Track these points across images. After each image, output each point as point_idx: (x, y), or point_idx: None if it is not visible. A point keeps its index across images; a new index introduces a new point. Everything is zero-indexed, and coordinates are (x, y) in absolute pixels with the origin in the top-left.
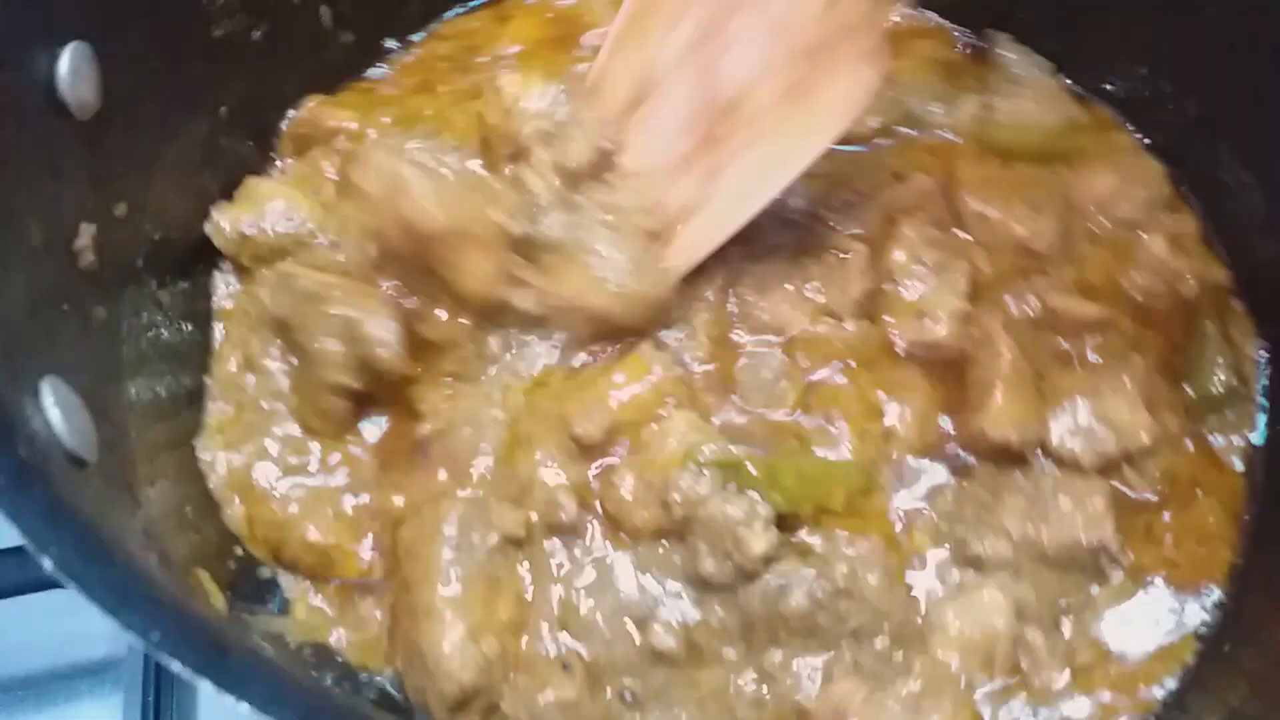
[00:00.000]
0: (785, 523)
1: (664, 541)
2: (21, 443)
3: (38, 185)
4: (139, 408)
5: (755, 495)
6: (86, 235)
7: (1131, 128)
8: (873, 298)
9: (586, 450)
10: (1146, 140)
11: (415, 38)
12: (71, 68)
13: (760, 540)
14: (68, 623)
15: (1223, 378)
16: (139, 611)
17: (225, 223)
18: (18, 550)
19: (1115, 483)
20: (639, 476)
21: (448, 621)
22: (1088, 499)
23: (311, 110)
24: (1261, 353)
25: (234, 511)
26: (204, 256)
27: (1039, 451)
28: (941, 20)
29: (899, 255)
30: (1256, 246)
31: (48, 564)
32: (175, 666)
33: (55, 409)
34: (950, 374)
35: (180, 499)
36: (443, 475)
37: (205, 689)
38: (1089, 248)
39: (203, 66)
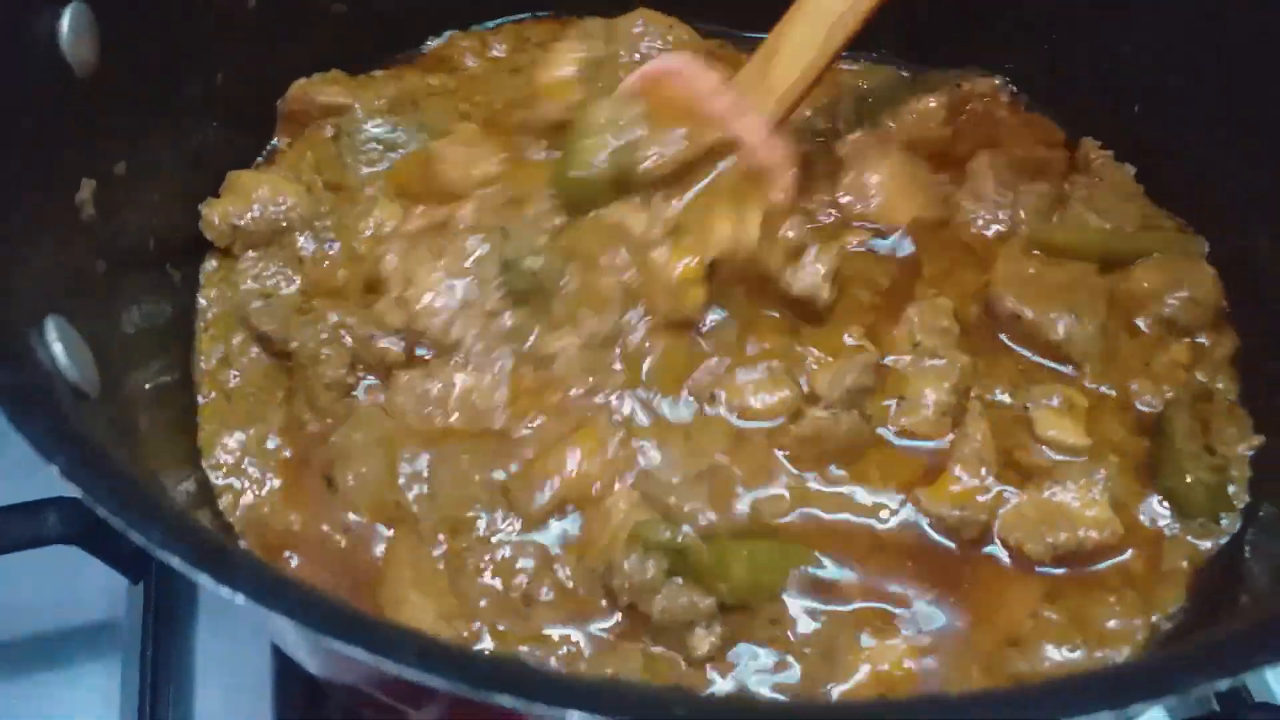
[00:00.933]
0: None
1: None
2: (28, 368)
3: (40, 138)
4: (137, 361)
5: (696, 597)
6: (87, 189)
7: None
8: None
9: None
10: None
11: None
12: (73, 27)
13: (704, 643)
14: (66, 584)
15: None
16: (142, 513)
17: (215, 216)
18: (17, 507)
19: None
20: (579, 562)
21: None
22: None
23: (301, 87)
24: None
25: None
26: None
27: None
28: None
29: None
30: None
31: (55, 470)
32: (175, 562)
33: (58, 343)
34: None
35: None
36: None
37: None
38: (1125, 347)
39: (199, 31)
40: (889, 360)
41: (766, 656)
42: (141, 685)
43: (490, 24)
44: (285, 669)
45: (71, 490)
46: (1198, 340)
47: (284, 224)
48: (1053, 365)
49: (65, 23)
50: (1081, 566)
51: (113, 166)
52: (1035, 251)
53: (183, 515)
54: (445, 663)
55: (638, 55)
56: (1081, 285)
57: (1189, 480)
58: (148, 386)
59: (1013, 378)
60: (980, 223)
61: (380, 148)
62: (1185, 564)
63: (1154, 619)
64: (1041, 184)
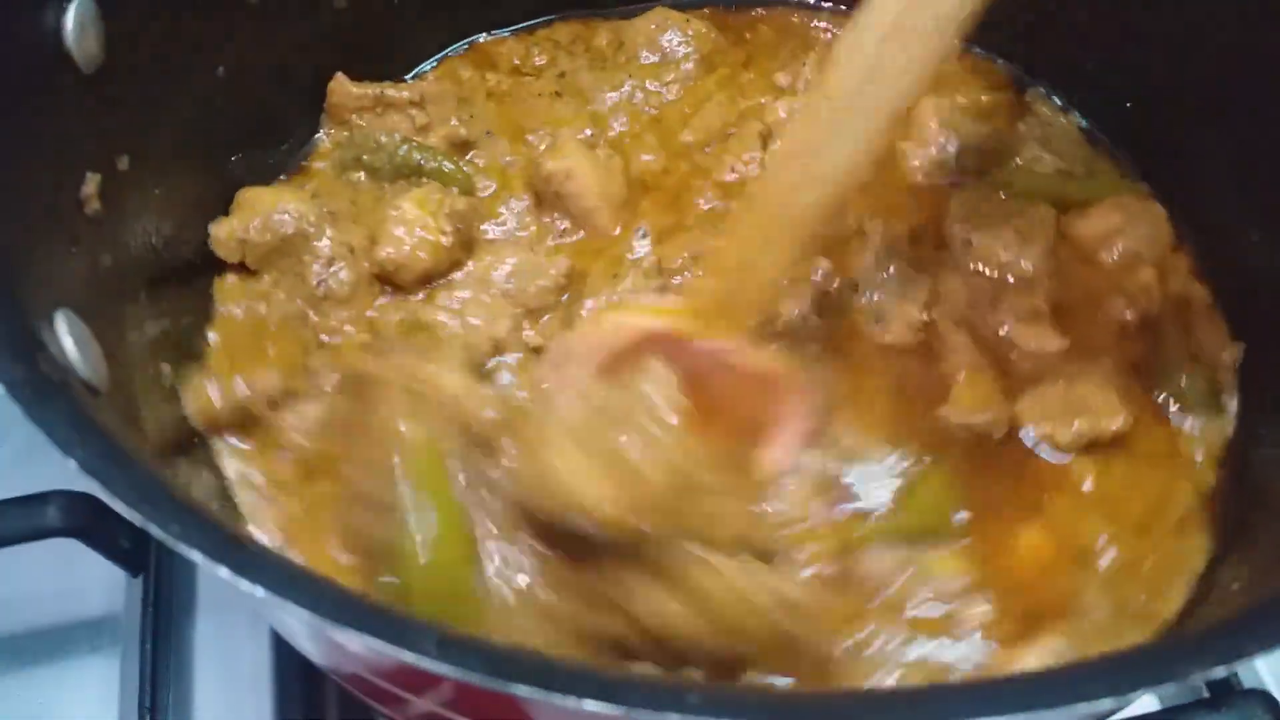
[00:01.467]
0: None
1: None
2: (42, 361)
3: (46, 132)
4: (145, 357)
5: None
6: (92, 184)
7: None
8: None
9: None
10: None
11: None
12: (77, 22)
13: None
14: (65, 577)
15: (1193, 382)
16: (160, 507)
17: (222, 233)
18: (16, 500)
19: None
20: None
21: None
22: None
23: (340, 82)
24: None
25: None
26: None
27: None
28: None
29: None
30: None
31: (73, 464)
32: (195, 556)
33: (68, 337)
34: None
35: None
36: None
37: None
38: (1076, 271)
39: (203, 23)
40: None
41: None
42: (141, 679)
43: (504, 31)
44: (285, 662)
45: (88, 485)
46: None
47: (293, 236)
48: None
49: (70, 17)
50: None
51: (116, 161)
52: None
53: (199, 509)
54: (464, 653)
55: (658, 56)
56: (1027, 213)
57: (1183, 384)
58: (156, 382)
59: (974, 297)
60: (918, 164)
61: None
62: (1203, 453)
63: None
64: (985, 127)
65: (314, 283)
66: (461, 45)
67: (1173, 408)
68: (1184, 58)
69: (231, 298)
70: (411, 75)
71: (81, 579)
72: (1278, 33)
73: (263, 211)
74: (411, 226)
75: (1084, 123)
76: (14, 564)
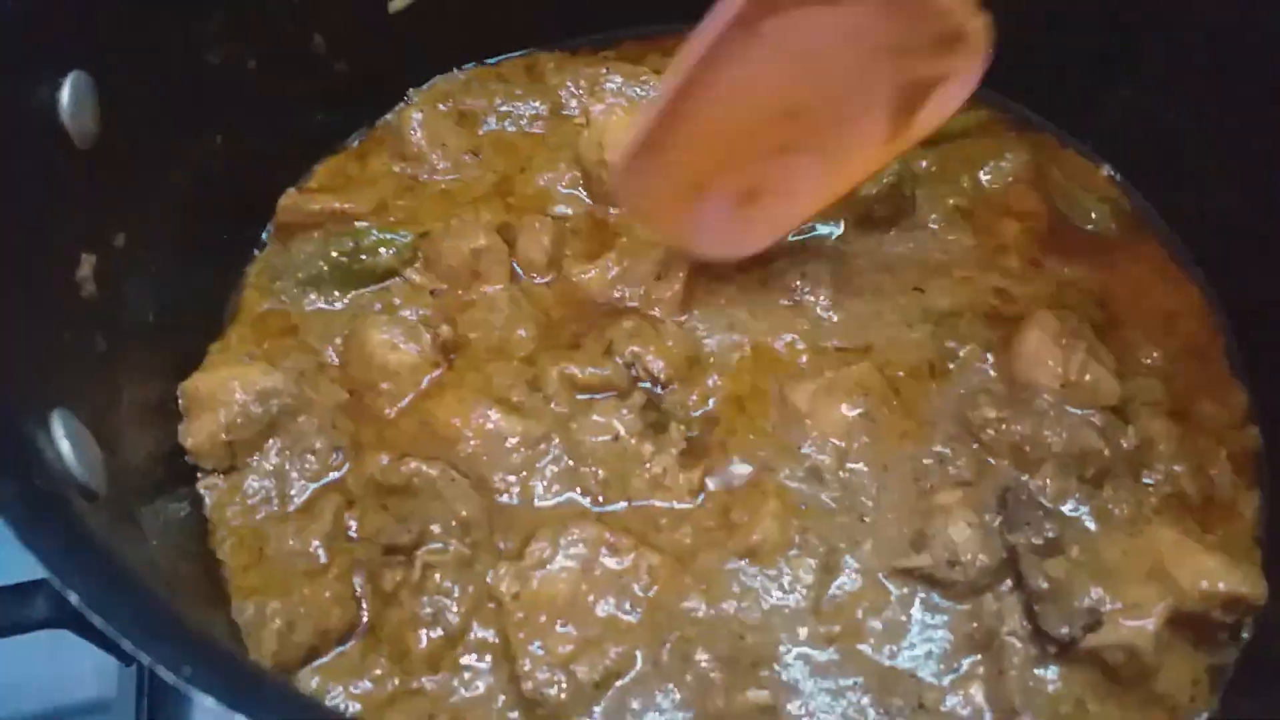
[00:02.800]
0: None
1: None
2: (37, 473)
3: (40, 216)
4: (143, 450)
5: None
6: (87, 265)
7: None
8: None
9: None
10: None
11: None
12: (73, 97)
13: None
14: (59, 663)
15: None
16: (169, 645)
17: (196, 438)
18: (4, 590)
19: None
20: None
21: None
22: None
23: (292, 198)
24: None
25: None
26: (202, 301)
27: None
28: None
29: None
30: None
31: (74, 598)
32: (209, 702)
33: (65, 440)
34: None
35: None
36: None
37: None
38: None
39: (199, 94)
40: None
41: None
42: None
43: (493, 60)
44: None
45: (92, 618)
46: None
47: (270, 419)
48: None
49: (66, 92)
50: None
51: (113, 239)
52: None
53: (208, 642)
54: None
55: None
56: None
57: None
58: (153, 476)
59: None
60: None
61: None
62: None
63: None
64: None
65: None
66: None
67: None
68: None
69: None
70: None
71: (73, 666)
72: None
73: (228, 401)
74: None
75: None
76: (4, 651)
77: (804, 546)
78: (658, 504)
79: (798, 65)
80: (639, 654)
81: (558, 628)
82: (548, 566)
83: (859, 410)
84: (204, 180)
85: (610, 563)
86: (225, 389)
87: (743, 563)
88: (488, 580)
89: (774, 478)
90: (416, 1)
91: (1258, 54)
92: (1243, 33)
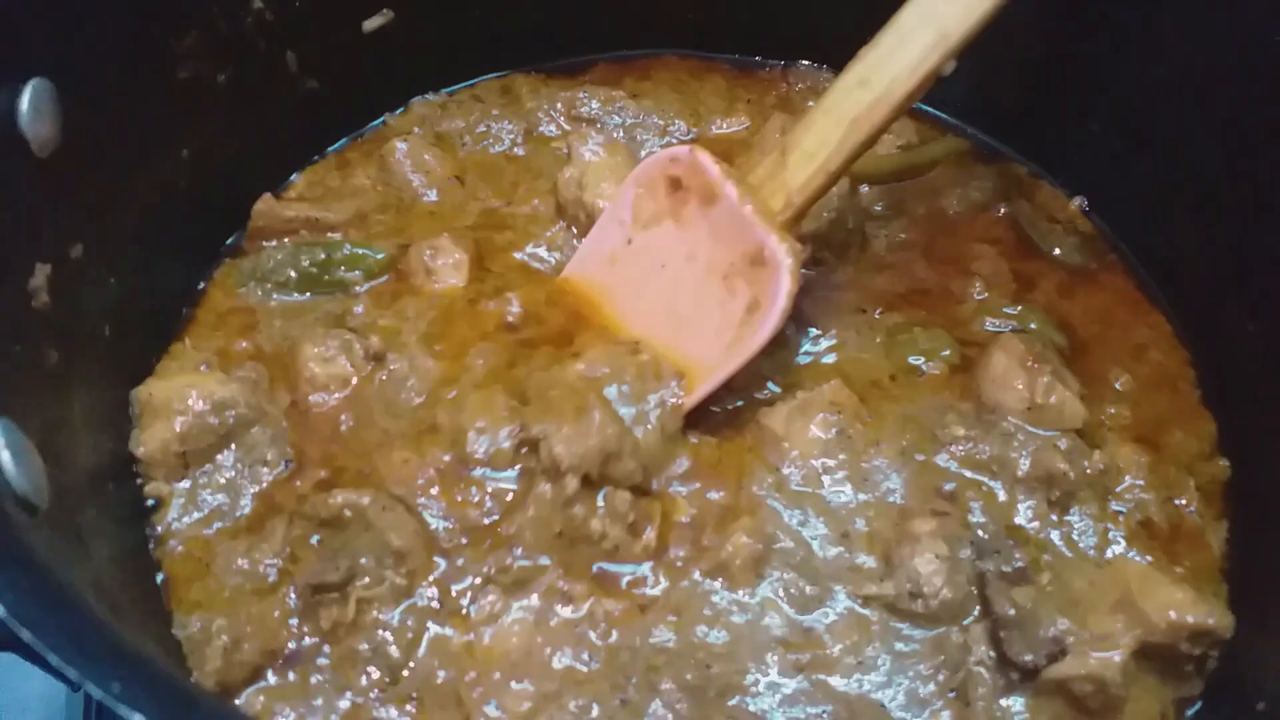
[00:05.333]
0: None
1: None
2: None
3: None
4: (90, 465)
5: None
6: (41, 275)
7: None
8: None
9: None
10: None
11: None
12: (33, 104)
13: None
14: (3, 690)
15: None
16: (99, 661)
17: (148, 446)
18: None
19: None
20: None
21: None
22: None
23: (268, 203)
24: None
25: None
26: (160, 312)
27: None
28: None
29: None
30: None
31: (0, 610)
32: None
33: (6, 450)
34: None
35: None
36: None
37: None
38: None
39: (166, 108)
40: None
41: None
42: None
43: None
44: None
45: (20, 631)
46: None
47: (226, 429)
48: None
49: (25, 99)
50: None
51: (70, 249)
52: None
53: (141, 659)
54: None
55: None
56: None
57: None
58: (100, 493)
59: None
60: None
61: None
62: None
63: None
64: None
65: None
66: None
67: None
68: None
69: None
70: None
71: (20, 692)
72: None
73: (183, 409)
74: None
75: None
76: None
77: (777, 565)
78: (615, 568)
79: (656, 274)
80: (598, 706)
81: (513, 685)
82: (499, 621)
83: (835, 429)
84: (169, 191)
85: (565, 612)
86: (180, 397)
87: (715, 584)
88: (434, 632)
89: (748, 495)
90: (390, 21)
91: (1226, 91)
92: (1211, 70)
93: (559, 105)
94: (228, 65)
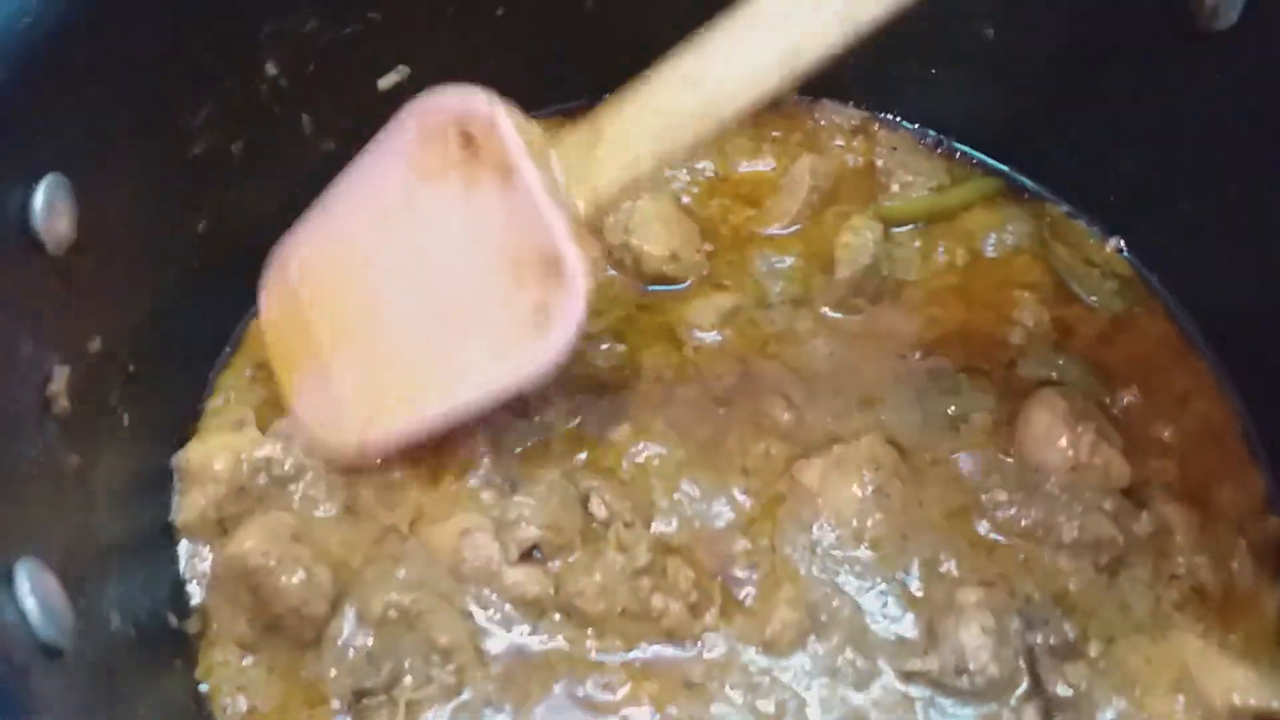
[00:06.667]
0: None
1: None
2: None
3: (8, 333)
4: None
5: None
6: (60, 379)
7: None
8: None
9: None
10: None
11: None
12: (47, 201)
13: None
14: None
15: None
16: None
17: (187, 514)
18: None
19: None
20: None
21: None
22: None
23: None
24: None
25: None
26: (182, 387)
27: None
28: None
29: None
30: None
31: None
32: None
33: (30, 597)
34: None
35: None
36: None
37: None
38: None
39: (181, 186)
40: None
41: None
42: None
43: None
44: None
45: None
46: None
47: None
48: None
49: (39, 197)
50: None
51: (87, 344)
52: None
53: None
54: None
55: None
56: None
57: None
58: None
59: None
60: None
61: None
62: None
63: None
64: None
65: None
66: None
67: None
68: None
69: None
70: None
71: None
72: None
73: (226, 477)
74: None
75: (929, 135)
76: None
77: (819, 637)
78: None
79: (434, 242)
80: None
81: None
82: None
83: (872, 487)
84: (187, 268)
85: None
86: (219, 458)
87: (759, 657)
88: None
89: (782, 559)
90: (405, 79)
91: (1268, 132)
92: (1255, 110)
93: None
94: (242, 134)
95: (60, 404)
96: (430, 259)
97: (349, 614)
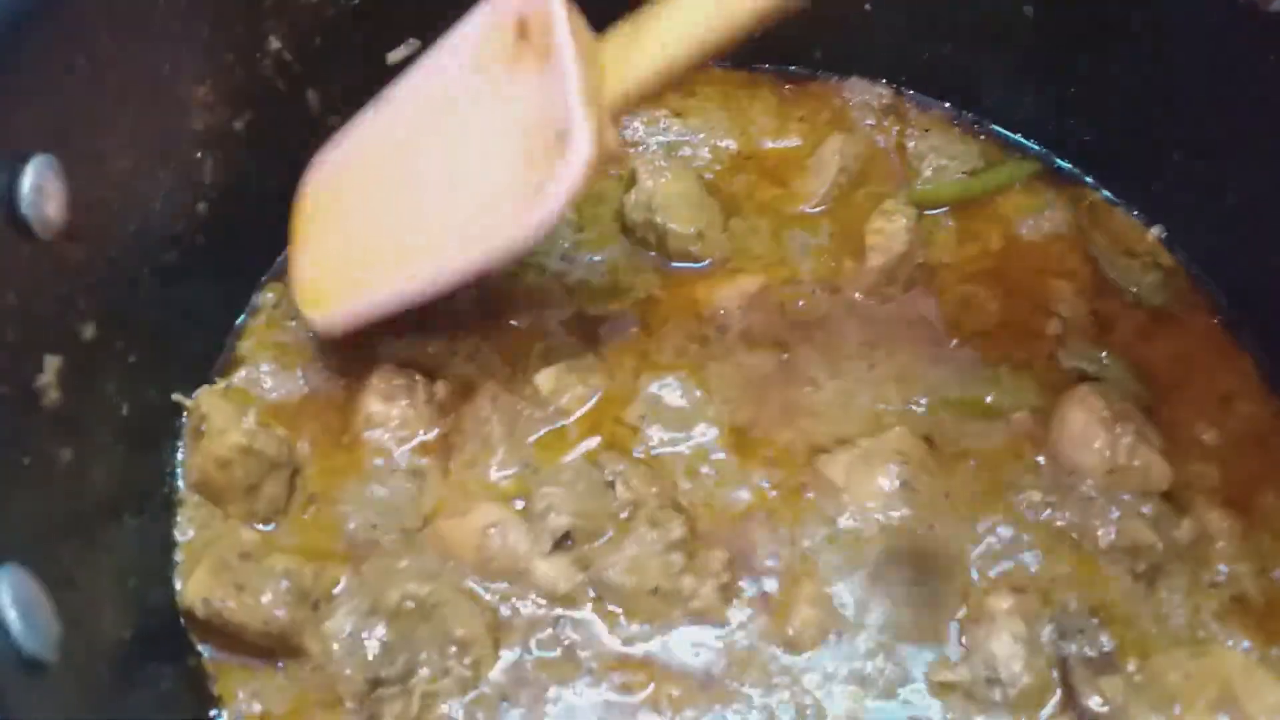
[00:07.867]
0: None
1: None
2: None
3: None
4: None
5: None
6: (50, 370)
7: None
8: None
9: None
10: None
11: None
12: (35, 184)
13: None
14: None
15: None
16: None
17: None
18: None
19: None
20: None
21: None
22: None
23: None
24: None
25: None
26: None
27: None
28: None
29: None
30: None
31: None
32: None
33: (13, 609)
34: None
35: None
36: None
37: None
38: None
39: (180, 164)
40: None
41: None
42: None
43: None
44: None
45: None
46: None
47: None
48: None
49: (27, 179)
50: None
51: (80, 331)
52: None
53: None
54: None
55: None
56: None
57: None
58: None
59: None
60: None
61: None
62: None
63: None
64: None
65: None
66: None
67: None
68: None
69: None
70: None
71: None
72: None
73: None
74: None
75: (963, 115)
76: None
77: (842, 637)
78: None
79: (463, 124)
80: None
81: None
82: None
83: (900, 480)
84: (188, 249)
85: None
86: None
87: (781, 655)
88: None
89: (802, 553)
90: (416, 52)
91: None
92: None
93: None
94: (245, 110)
95: (50, 396)
96: (455, 141)
97: (348, 607)
